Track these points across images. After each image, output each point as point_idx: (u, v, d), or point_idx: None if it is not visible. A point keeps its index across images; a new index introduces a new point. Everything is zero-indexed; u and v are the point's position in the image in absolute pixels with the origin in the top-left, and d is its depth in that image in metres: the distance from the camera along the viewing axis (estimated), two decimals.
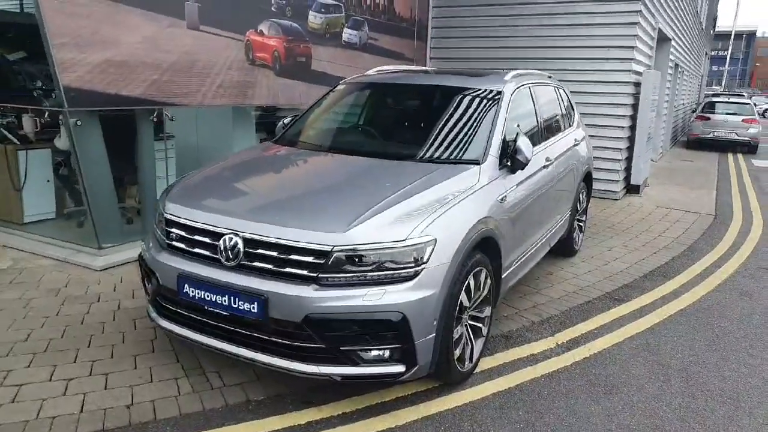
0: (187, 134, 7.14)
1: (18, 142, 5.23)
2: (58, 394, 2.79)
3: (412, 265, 2.55)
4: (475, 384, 3.04)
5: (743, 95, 21.52)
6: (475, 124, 3.57)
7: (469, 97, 3.75)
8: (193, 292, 2.68)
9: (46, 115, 4.82)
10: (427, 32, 8.79)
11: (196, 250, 2.76)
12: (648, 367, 3.30)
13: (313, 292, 2.48)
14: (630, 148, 8.24)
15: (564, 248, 5.03)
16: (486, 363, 3.24)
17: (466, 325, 2.98)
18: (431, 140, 3.50)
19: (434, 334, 2.63)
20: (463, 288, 2.80)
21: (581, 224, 5.42)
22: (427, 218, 2.65)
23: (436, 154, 3.40)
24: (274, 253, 2.57)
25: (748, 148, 15.04)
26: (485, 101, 3.70)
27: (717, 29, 31.06)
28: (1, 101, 5.29)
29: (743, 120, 14.90)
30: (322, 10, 6.75)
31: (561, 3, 7.86)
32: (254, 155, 3.77)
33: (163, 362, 3.12)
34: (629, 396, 2.98)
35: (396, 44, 8.18)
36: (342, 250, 2.50)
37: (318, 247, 2.51)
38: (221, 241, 2.66)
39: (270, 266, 2.58)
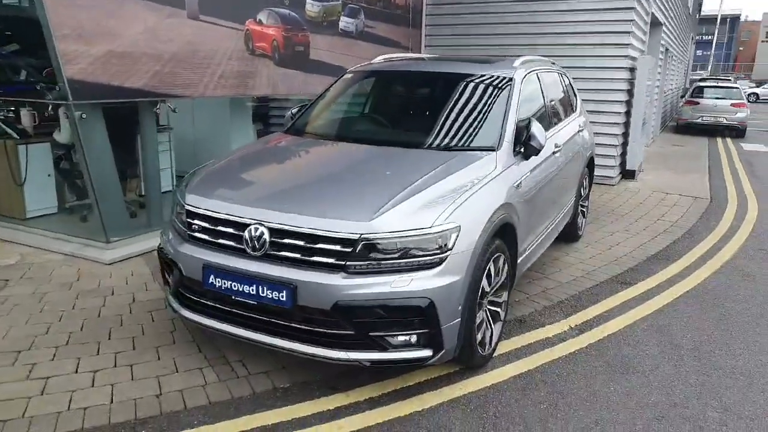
0: (185, 126, 7.10)
1: (18, 137, 5.16)
2: (86, 386, 2.80)
3: (438, 251, 2.59)
4: (496, 367, 3.10)
5: (730, 79, 21.80)
6: (487, 110, 3.61)
7: (480, 85, 3.78)
8: (219, 282, 2.69)
9: (50, 109, 4.76)
10: (421, 19, 8.77)
11: (220, 240, 2.77)
12: (661, 347, 3.39)
13: (342, 280, 2.51)
14: (625, 134, 8.34)
15: (568, 233, 5.11)
16: (504, 347, 3.30)
17: (485, 310, 3.04)
18: (446, 128, 3.53)
19: (459, 319, 2.68)
20: (484, 273, 2.85)
21: (584, 209, 5.50)
22: (450, 205, 2.69)
23: (452, 142, 3.43)
24: (301, 243, 2.60)
25: (737, 132, 15.28)
26: (496, 88, 3.73)
27: (702, 13, 31.30)
28: (3, 95, 5.20)
29: (732, 104, 15.12)
30: None
31: None
32: (268, 145, 3.77)
33: (185, 353, 3.14)
34: (646, 375, 3.07)
35: (391, 32, 8.15)
36: (369, 239, 2.53)
37: (345, 236, 2.54)
38: (246, 232, 2.68)
39: (297, 255, 2.60)
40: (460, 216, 2.67)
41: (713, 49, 44.31)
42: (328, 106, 4.13)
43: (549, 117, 4.28)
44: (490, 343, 3.11)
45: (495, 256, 2.95)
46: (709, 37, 49.23)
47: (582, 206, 5.37)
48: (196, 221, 2.87)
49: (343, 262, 2.54)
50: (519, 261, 3.41)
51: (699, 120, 15.15)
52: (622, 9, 7.58)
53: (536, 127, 3.38)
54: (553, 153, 4.01)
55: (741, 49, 69.54)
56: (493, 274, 2.98)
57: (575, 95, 5.39)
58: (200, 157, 6.91)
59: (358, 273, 2.54)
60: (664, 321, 3.74)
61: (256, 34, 5.79)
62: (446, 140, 3.45)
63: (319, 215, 2.60)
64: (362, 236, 2.53)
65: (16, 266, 4.35)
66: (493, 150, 3.29)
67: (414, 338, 2.60)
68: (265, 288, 2.59)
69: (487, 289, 2.96)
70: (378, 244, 2.53)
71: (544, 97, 4.26)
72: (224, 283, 2.68)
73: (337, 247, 2.55)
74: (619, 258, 4.92)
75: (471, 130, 3.51)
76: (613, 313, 3.82)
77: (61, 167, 5.50)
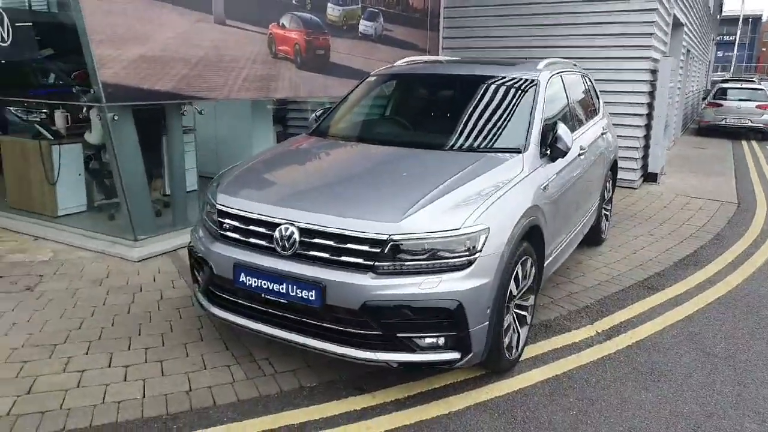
0: (208, 127, 7.21)
1: (52, 138, 5.29)
2: (119, 380, 2.86)
3: (466, 253, 2.59)
4: (522, 372, 3.09)
5: (754, 80, 21.38)
6: (513, 112, 3.60)
7: (505, 87, 3.78)
8: (249, 280, 2.73)
9: (84, 111, 4.87)
10: (439, 22, 8.77)
11: (251, 239, 2.81)
12: (693, 355, 3.34)
13: (371, 281, 2.53)
14: (647, 136, 8.24)
15: (592, 237, 5.06)
16: (530, 351, 3.29)
17: (512, 314, 3.03)
18: (472, 130, 3.53)
19: (487, 323, 2.67)
20: (512, 276, 2.85)
21: (607, 213, 5.45)
22: (479, 207, 2.69)
23: (478, 143, 3.43)
24: (330, 242, 2.62)
25: (762, 134, 14.97)
26: (521, 90, 3.73)
27: (723, 14, 30.78)
28: (38, 97, 5.34)
29: (757, 106, 14.82)
30: (340, 2, 6.76)
31: None
32: (295, 147, 3.81)
33: (213, 350, 3.19)
34: (678, 384, 3.02)
35: (410, 35, 8.17)
36: (397, 240, 2.54)
37: (374, 237, 2.56)
38: (276, 231, 2.71)
39: (326, 255, 2.63)
40: (489, 218, 2.68)
41: (735, 49, 43.52)
42: (353, 109, 4.16)
43: (573, 119, 4.25)
44: (517, 347, 3.10)
45: (523, 258, 2.95)
46: (731, 37, 48.39)
47: (605, 209, 5.32)
48: (227, 220, 2.91)
49: (372, 263, 2.56)
50: (546, 264, 3.40)
51: (722, 122, 14.89)
52: (644, 10, 7.49)
53: (563, 129, 3.37)
54: (579, 155, 3.99)
55: (763, 50, 68.15)
56: (520, 277, 2.97)
57: (598, 97, 5.35)
58: (222, 159, 7.07)
59: (386, 273, 2.55)
60: (695, 328, 3.69)
61: (278, 38, 5.85)
62: (473, 142, 3.45)
63: (347, 216, 2.63)
64: (391, 237, 2.54)
65: (50, 262, 4.46)
66: (520, 152, 3.29)
67: (442, 340, 2.61)
68: (294, 287, 2.62)
69: (515, 292, 2.96)
70: (406, 245, 2.55)
71: (568, 99, 4.24)
72: (254, 282, 2.72)
73: (366, 248, 2.57)
74: (645, 262, 4.86)
75: (497, 131, 3.51)
76: (641, 319, 3.78)
77: (91, 167, 5.62)
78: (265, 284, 2.69)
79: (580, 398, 2.86)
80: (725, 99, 15.26)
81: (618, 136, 7.48)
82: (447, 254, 2.58)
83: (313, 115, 4.22)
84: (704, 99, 17.21)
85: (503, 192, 2.87)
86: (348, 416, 2.66)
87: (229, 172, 3.33)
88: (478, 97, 3.76)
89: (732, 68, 46.17)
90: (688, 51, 13.42)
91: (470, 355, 2.65)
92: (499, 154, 3.28)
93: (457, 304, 2.54)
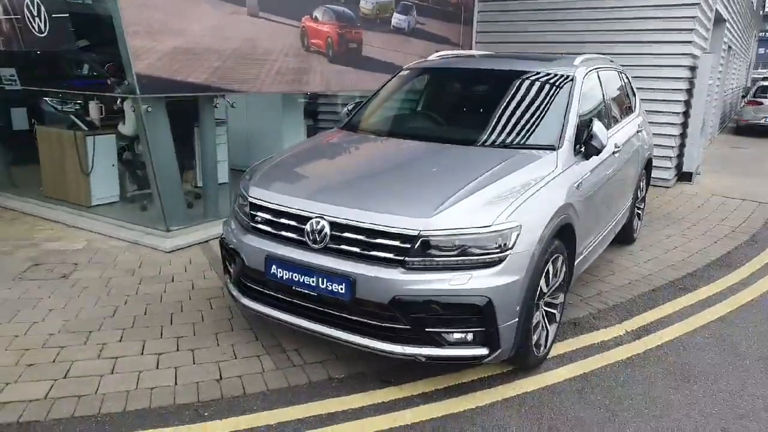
0: (239, 120, 7.30)
1: (86, 129, 5.43)
2: (151, 367, 2.94)
3: (497, 251, 2.58)
4: (549, 369, 3.07)
5: None
6: (548, 109, 3.56)
7: (539, 82, 3.73)
8: (281, 273, 2.77)
9: (118, 102, 4.98)
10: (472, 16, 8.69)
11: (282, 232, 2.85)
12: (724, 356, 3.27)
13: (401, 275, 2.54)
14: (683, 135, 8.03)
15: (623, 236, 4.97)
16: (558, 349, 3.26)
17: (542, 311, 3.00)
18: (506, 126, 3.50)
19: (516, 319, 2.66)
20: (543, 274, 2.82)
21: (639, 212, 5.34)
22: (511, 204, 2.67)
23: (511, 140, 3.40)
24: (361, 237, 2.64)
25: None
26: (556, 86, 3.67)
27: (766, 10, 29.68)
28: (73, 88, 5.49)
29: None
30: None
31: None
32: (327, 141, 3.83)
33: (243, 340, 3.25)
34: (708, 385, 2.97)
35: (443, 29, 8.11)
36: (428, 235, 2.54)
37: (405, 232, 2.56)
38: (308, 225, 2.74)
39: (356, 249, 2.65)
40: (521, 215, 2.65)
41: None
42: (385, 103, 4.16)
43: (609, 116, 4.18)
44: (545, 345, 3.08)
45: (554, 256, 2.92)
46: None
47: (638, 208, 5.22)
48: (259, 213, 2.96)
49: (402, 258, 2.56)
50: (576, 262, 3.36)
51: (762, 121, 14.41)
52: (685, 5, 7.28)
53: (598, 127, 3.31)
54: (613, 153, 3.92)
55: None
56: (551, 275, 2.94)
57: (634, 94, 5.24)
58: (253, 151, 7.15)
59: (416, 269, 2.56)
60: (727, 330, 3.60)
61: (311, 31, 5.88)
62: (506, 138, 3.42)
63: (378, 210, 2.64)
64: (421, 233, 2.54)
65: (84, 251, 4.59)
66: (554, 149, 3.25)
67: (470, 336, 2.61)
68: (324, 280, 2.65)
69: (545, 290, 2.93)
70: (437, 240, 2.55)
71: (604, 96, 4.16)
72: (286, 274, 2.75)
73: (397, 243, 2.58)
74: (677, 263, 4.76)
75: (531, 128, 3.47)
76: (671, 319, 3.71)
77: (124, 158, 5.76)
78: (295, 277, 2.72)
79: (607, 396, 2.83)
80: (765, 97, 14.76)
81: (653, 134, 7.33)
82: (478, 251, 2.57)
83: (345, 109, 4.23)
84: (744, 97, 16.64)
85: (536, 189, 2.84)
86: (375, 408, 2.68)
87: (261, 166, 3.37)
88: (512, 92, 3.71)
89: None
90: (729, 47, 13.01)
91: (498, 352, 2.65)
92: (533, 151, 3.25)
93: (487, 300, 2.53)
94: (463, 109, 4.04)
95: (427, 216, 2.58)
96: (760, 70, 37.01)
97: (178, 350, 3.12)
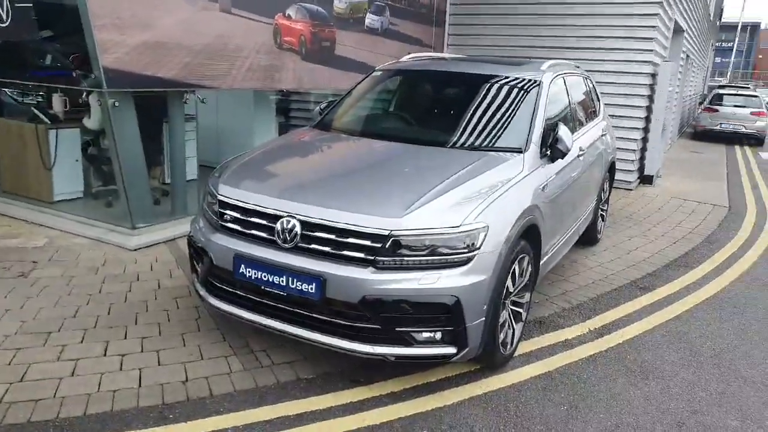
0: (209, 116, 7.19)
1: (48, 122, 5.26)
2: (114, 369, 2.87)
3: (466, 251, 2.62)
4: (516, 367, 3.13)
5: (749, 87, 21.52)
6: (515, 112, 3.63)
7: (508, 86, 3.80)
8: (249, 272, 2.75)
9: (84, 95, 4.84)
10: (445, 19, 8.78)
11: (252, 231, 2.82)
12: (680, 353, 3.40)
13: (371, 275, 2.55)
14: (645, 139, 8.30)
15: (588, 237, 5.11)
16: (523, 347, 3.33)
17: (508, 310, 3.07)
18: (474, 128, 3.56)
19: (484, 318, 2.71)
20: (509, 274, 2.88)
21: (603, 213, 5.50)
22: (479, 205, 2.72)
23: (480, 142, 3.46)
24: (331, 236, 2.64)
25: (755, 140, 15.12)
26: (524, 90, 3.75)
27: (722, 20, 30.88)
28: (36, 80, 5.30)
29: (752, 113, 14.96)
30: None
31: None
32: (298, 139, 3.82)
33: (210, 341, 3.21)
34: (665, 381, 3.08)
35: (415, 30, 8.17)
36: (399, 235, 2.57)
37: (375, 232, 2.58)
38: (278, 224, 2.73)
39: (327, 249, 2.65)
40: (488, 216, 2.71)
41: (733, 56, 43.76)
42: (357, 103, 4.17)
43: (574, 120, 4.29)
44: (512, 343, 3.15)
45: (520, 256, 2.98)
46: (729, 44, 48.60)
47: (602, 210, 5.37)
48: (228, 211, 2.93)
49: (373, 257, 2.58)
50: (542, 262, 3.44)
51: (718, 127, 15.02)
52: (646, 15, 7.54)
53: (563, 131, 3.40)
54: (578, 156, 4.03)
55: (760, 57, 68.48)
56: (517, 275, 3.01)
57: (598, 99, 5.39)
58: (223, 148, 7.06)
59: (386, 268, 2.58)
60: (684, 328, 3.75)
61: (284, 29, 5.84)
62: (474, 140, 3.48)
63: (349, 210, 2.65)
64: (392, 232, 2.57)
65: (44, 249, 4.45)
66: (521, 152, 3.32)
67: (439, 335, 2.64)
68: (294, 279, 2.64)
69: (511, 289, 3.00)
70: (407, 241, 2.57)
71: (569, 100, 4.27)
72: (255, 273, 2.73)
73: (367, 243, 2.59)
74: (638, 263, 4.92)
75: (499, 131, 3.53)
76: (632, 318, 3.83)
77: (89, 153, 5.60)
78: (264, 276, 2.71)
79: (571, 393, 2.91)
80: (721, 105, 15.39)
81: (616, 137, 7.56)
82: (447, 251, 2.61)
83: (317, 107, 4.22)
84: (701, 104, 17.30)
85: (503, 191, 2.90)
86: (344, 408, 2.69)
87: (231, 163, 3.33)
88: (482, 95, 3.78)
89: (729, 74, 46.43)
90: (688, 56, 13.49)
91: (466, 350, 2.69)
92: (501, 154, 3.31)
93: (455, 299, 2.57)
94: (434, 111, 4.08)
95: (398, 216, 2.61)
96: (716, 79, 38.51)
97: (142, 351, 3.06)
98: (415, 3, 8.09)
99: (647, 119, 8.16)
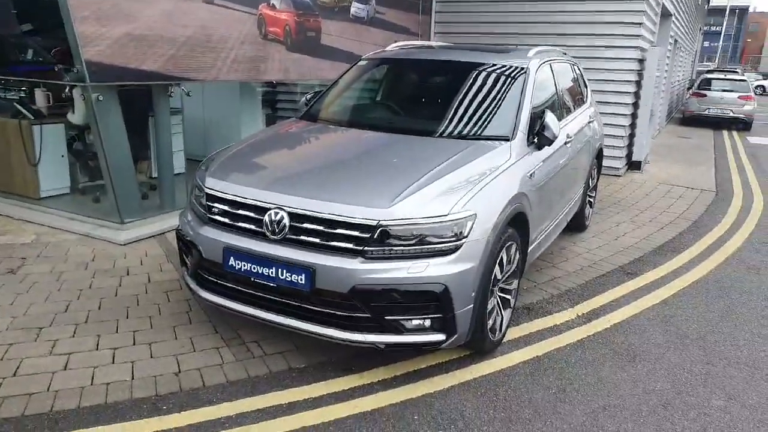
0: (195, 109, 7.14)
1: (32, 117, 5.20)
2: (107, 362, 2.88)
3: (454, 239, 2.65)
4: (505, 353, 3.18)
5: (737, 72, 21.66)
6: (502, 100, 3.64)
7: (495, 74, 3.81)
8: (239, 264, 2.76)
9: (67, 90, 4.78)
10: (431, 6, 8.74)
11: (240, 224, 2.83)
12: (667, 336, 3.46)
13: (360, 265, 2.57)
14: (633, 125, 8.35)
15: (576, 224, 5.15)
16: (512, 333, 3.37)
17: (496, 297, 3.10)
18: (461, 117, 3.57)
19: (472, 305, 2.74)
20: (497, 261, 2.91)
21: (591, 200, 5.55)
22: (467, 194, 2.74)
23: (467, 131, 3.47)
24: (320, 227, 2.65)
25: (743, 124, 15.24)
26: (511, 78, 3.76)
27: (710, 4, 30.96)
28: (18, 75, 5.23)
29: (739, 97, 15.06)
30: None
31: None
32: (285, 131, 3.81)
33: (202, 333, 3.22)
34: (652, 364, 3.14)
35: (402, 18, 8.13)
36: (387, 225, 2.59)
37: (364, 222, 2.60)
38: (266, 216, 2.73)
39: (316, 240, 2.66)
40: (476, 204, 2.73)
41: (721, 40, 43.94)
42: (343, 93, 4.16)
43: (561, 107, 4.31)
44: (500, 329, 3.19)
45: (508, 244, 3.01)
46: (717, 28, 48.80)
47: (590, 197, 5.42)
48: (216, 204, 2.93)
49: (361, 247, 2.60)
50: (530, 249, 3.47)
51: (706, 112, 15.11)
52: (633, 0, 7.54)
53: (550, 118, 3.41)
54: (565, 143, 4.05)
55: (749, 41, 68.85)
56: (505, 262, 3.04)
57: (586, 86, 5.41)
58: (210, 141, 7.02)
59: (375, 258, 2.60)
60: (670, 311, 3.81)
61: (269, 19, 5.79)
62: (461, 129, 3.49)
63: (338, 201, 2.66)
64: (380, 222, 2.58)
65: (32, 245, 4.42)
66: (508, 140, 3.34)
67: (428, 322, 2.67)
68: (284, 271, 2.66)
69: (499, 276, 3.03)
70: (395, 230, 2.59)
71: (556, 87, 4.28)
72: (244, 266, 2.74)
73: (356, 233, 2.61)
74: (626, 248, 4.98)
75: (486, 119, 3.55)
76: (619, 303, 3.89)
77: (74, 148, 5.55)
78: (254, 268, 2.72)
79: (559, 378, 2.96)
80: (709, 89, 15.48)
81: (604, 124, 7.58)
82: (435, 239, 2.63)
83: (304, 98, 4.21)
84: (689, 89, 17.40)
85: (490, 179, 2.92)
86: (336, 396, 2.72)
87: (218, 156, 3.33)
88: (469, 84, 3.78)
89: (717, 59, 46.69)
90: (676, 41, 13.53)
91: (455, 337, 2.73)
92: (488, 142, 3.33)
93: (444, 287, 2.60)
94: (420, 100, 4.09)
95: (386, 206, 2.62)
96: (705, 63, 38.69)
97: (134, 344, 3.07)
98: None
99: (635, 105, 8.20)
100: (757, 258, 4.93)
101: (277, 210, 2.72)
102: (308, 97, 4.18)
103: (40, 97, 5.19)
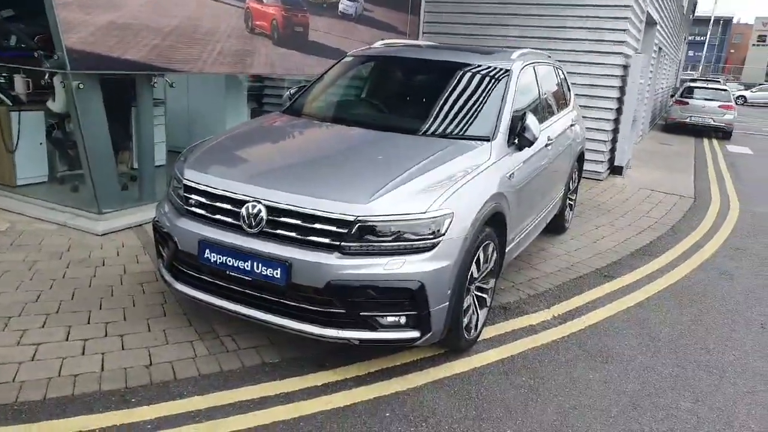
0: (179, 101, 7.06)
1: (10, 104, 5.11)
2: (77, 354, 2.84)
3: (431, 237, 2.65)
4: (479, 351, 3.19)
5: (719, 81, 22.05)
6: (484, 101, 3.66)
7: (478, 75, 3.83)
8: (214, 257, 2.74)
9: (47, 77, 4.70)
10: (420, 5, 8.75)
11: (217, 216, 2.81)
12: (639, 339, 3.51)
13: (336, 260, 2.57)
14: (615, 130, 8.45)
15: (555, 226, 5.20)
16: (488, 332, 3.39)
17: (473, 296, 3.12)
18: (443, 116, 3.58)
19: (447, 303, 2.75)
20: (474, 260, 2.93)
21: (572, 203, 5.60)
22: (445, 192, 2.75)
23: (448, 130, 3.48)
24: (297, 222, 2.65)
25: (723, 133, 15.52)
26: (494, 79, 3.78)
27: (695, 14, 31.46)
28: (1, 61, 5.13)
29: (720, 106, 15.32)
30: None
31: None
32: (267, 125, 3.79)
33: (176, 325, 3.19)
34: (624, 365, 3.18)
35: (390, 17, 8.12)
36: (364, 221, 2.59)
37: (341, 217, 2.59)
38: (243, 209, 2.72)
39: (293, 234, 2.65)
40: (454, 203, 2.74)
41: (705, 50, 44.67)
42: (328, 89, 4.15)
43: (543, 110, 4.35)
44: (476, 328, 3.20)
45: (485, 243, 3.03)
46: (702, 38, 49.58)
47: (570, 199, 5.47)
48: (193, 196, 2.90)
49: (338, 243, 2.60)
50: (507, 249, 3.50)
51: (688, 120, 15.36)
52: (618, 6, 7.63)
53: (531, 120, 3.44)
54: (546, 146, 4.09)
55: (732, 51, 70.04)
56: (482, 261, 3.06)
57: (569, 89, 5.46)
58: (193, 133, 6.94)
59: (352, 254, 2.59)
60: (645, 314, 3.87)
61: (256, 13, 5.75)
62: (442, 128, 3.50)
63: (316, 196, 2.65)
64: (358, 218, 2.58)
65: (6, 233, 4.34)
66: (488, 140, 3.36)
67: (403, 319, 2.68)
68: (260, 264, 2.64)
69: (476, 275, 3.04)
70: (373, 226, 2.59)
71: (539, 90, 4.32)
72: (219, 258, 2.72)
73: (333, 228, 2.61)
74: (604, 252, 5.04)
75: (467, 119, 3.56)
76: (595, 305, 3.94)
77: (53, 136, 5.46)
78: (230, 261, 2.70)
79: (532, 377, 2.99)
80: (691, 97, 15.73)
81: (587, 128, 7.66)
82: (412, 236, 2.64)
83: (287, 93, 4.19)
84: (672, 96, 17.66)
85: (469, 178, 2.94)
86: (308, 391, 2.71)
87: (197, 147, 3.30)
88: (452, 83, 3.80)
89: (700, 68, 47.44)
90: (660, 49, 13.72)
91: (429, 334, 2.73)
92: (469, 142, 3.34)
93: (420, 284, 2.60)
94: (404, 98, 4.09)
95: (364, 202, 2.62)
96: (689, 72, 39.31)
97: (106, 336, 3.03)
98: None
99: (618, 111, 8.30)
100: (730, 264, 5.02)
101: (254, 203, 2.70)
102: (292, 91, 4.16)
103: (20, 84, 5.08)
